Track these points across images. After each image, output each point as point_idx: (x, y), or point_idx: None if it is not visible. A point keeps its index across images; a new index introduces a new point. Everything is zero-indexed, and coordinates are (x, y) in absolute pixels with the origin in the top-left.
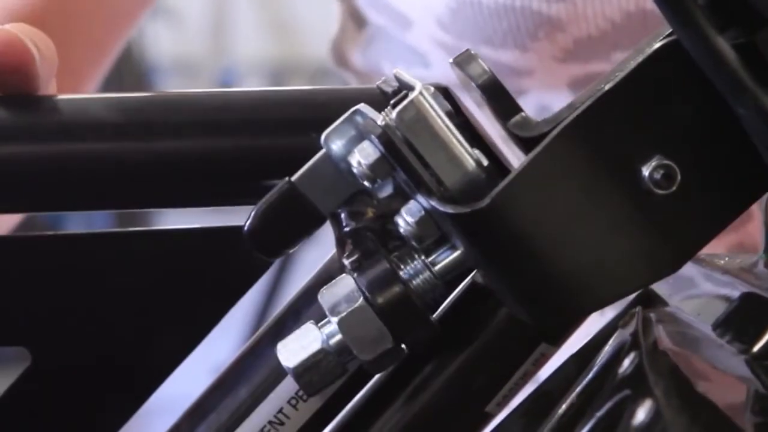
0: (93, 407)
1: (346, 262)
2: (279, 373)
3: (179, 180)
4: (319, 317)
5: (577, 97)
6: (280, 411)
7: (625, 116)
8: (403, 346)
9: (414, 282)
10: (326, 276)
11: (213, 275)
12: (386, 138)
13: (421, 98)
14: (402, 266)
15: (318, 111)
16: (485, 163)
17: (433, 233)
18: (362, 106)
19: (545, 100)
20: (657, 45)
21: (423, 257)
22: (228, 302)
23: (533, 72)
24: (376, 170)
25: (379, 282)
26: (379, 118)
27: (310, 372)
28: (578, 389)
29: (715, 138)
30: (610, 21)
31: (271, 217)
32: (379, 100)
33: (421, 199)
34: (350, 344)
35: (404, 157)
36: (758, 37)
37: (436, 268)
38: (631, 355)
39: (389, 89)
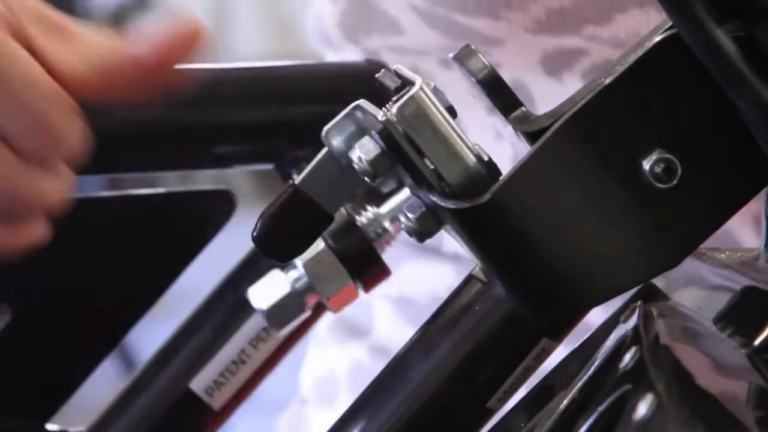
0: (69, 355)
1: None
2: (241, 315)
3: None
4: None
5: (577, 91)
6: (243, 351)
7: (626, 110)
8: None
9: (368, 227)
10: None
11: (174, 233)
12: (387, 133)
13: (421, 93)
14: (358, 213)
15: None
16: (486, 158)
17: (433, 228)
18: (363, 102)
19: (519, 76)
20: (657, 38)
21: (376, 206)
22: (189, 256)
23: (504, 42)
24: (376, 166)
25: (337, 228)
26: (380, 114)
27: (279, 312)
28: (580, 384)
29: (716, 131)
30: None
31: (278, 222)
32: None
33: (421, 194)
34: (314, 284)
35: (405, 153)
36: (758, 30)
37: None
38: (633, 350)
39: (390, 84)
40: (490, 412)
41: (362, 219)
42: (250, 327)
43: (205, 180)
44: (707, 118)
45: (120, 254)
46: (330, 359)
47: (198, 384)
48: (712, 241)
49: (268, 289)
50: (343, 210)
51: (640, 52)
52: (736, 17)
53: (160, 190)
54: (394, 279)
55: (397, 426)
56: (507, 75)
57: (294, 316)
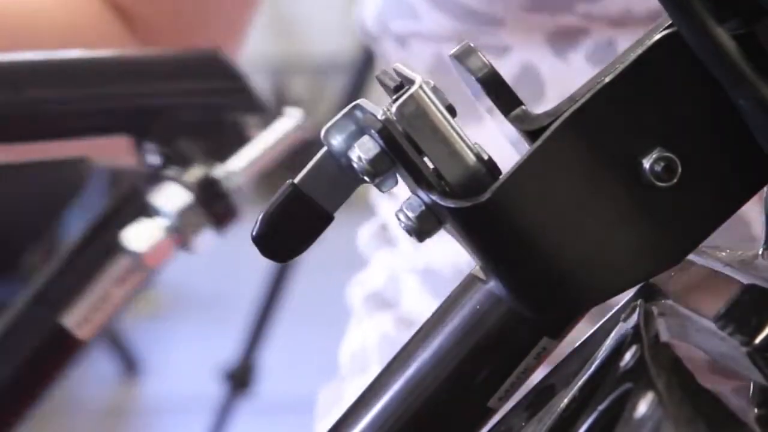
0: None
1: None
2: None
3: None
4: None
5: (577, 90)
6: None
7: (626, 108)
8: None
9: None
10: None
11: (28, 201)
12: (386, 132)
13: (420, 92)
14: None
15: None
16: (485, 157)
17: (433, 228)
18: (362, 101)
19: (527, 57)
20: (657, 36)
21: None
22: (44, 224)
23: (504, 22)
24: (376, 165)
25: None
26: (379, 113)
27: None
28: (580, 383)
29: (716, 130)
30: None
31: (277, 222)
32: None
33: (421, 193)
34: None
35: (404, 152)
36: (758, 28)
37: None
38: (633, 349)
39: (390, 83)
40: (491, 412)
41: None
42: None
43: None
44: (707, 116)
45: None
46: (362, 332)
47: (69, 320)
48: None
49: (142, 233)
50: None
51: (639, 50)
52: (736, 15)
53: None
54: (420, 252)
55: (398, 425)
56: (515, 58)
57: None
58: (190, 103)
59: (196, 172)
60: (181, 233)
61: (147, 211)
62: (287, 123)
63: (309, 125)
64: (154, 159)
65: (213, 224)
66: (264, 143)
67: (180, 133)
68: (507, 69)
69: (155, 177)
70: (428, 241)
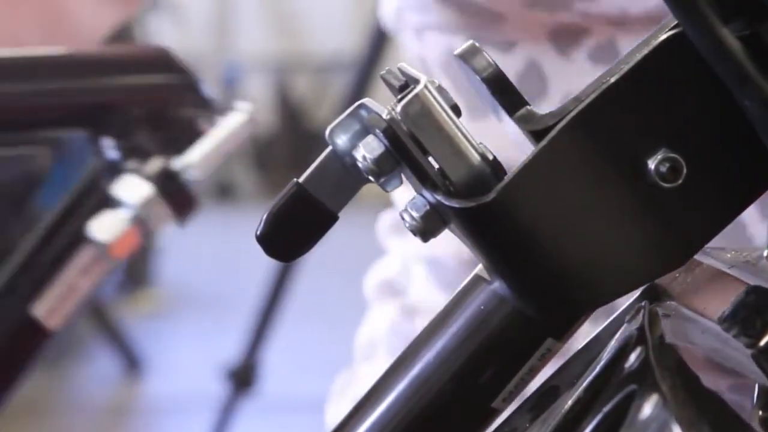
0: None
1: None
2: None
3: None
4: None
5: (582, 90)
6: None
7: (631, 109)
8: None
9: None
10: None
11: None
12: (391, 132)
13: (426, 92)
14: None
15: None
16: (490, 157)
17: (438, 227)
18: (367, 101)
19: (532, 54)
20: (662, 37)
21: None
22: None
23: (506, 17)
24: (380, 164)
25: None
26: (384, 112)
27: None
28: (585, 384)
29: (721, 130)
30: None
31: (282, 221)
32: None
33: (426, 193)
34: (143, 216)
35: (409, 152)
36: (763, 29)
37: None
38: (638, 350)
39: (395, 82)
40: (495, 413)
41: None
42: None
43: None
44: (712, 117)
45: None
46: (373, 320)
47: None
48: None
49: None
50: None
51: (645, 51)
52: (741, 16)
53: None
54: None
55: (402, 425)
56: (521, 55)
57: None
58: (142, 99)
59: (155, 165)
60: (144, 224)
61: (109, 202)
62: (238, 117)
63: (258, 120)
64: (112, 153)
65: (174, 215)
66: (216, 137)
67: (136, 127)
68: (512, 65)
69: (114, 170)
70: None
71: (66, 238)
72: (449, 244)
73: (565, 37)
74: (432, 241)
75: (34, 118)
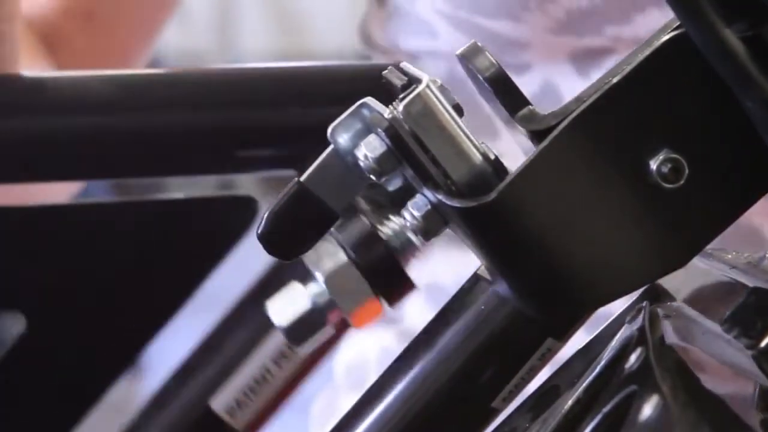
0: (86, 368)
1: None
2: (263, 332)
3: (175, 150)
4: (302, 276)
5: (584, 90)
6: (265, 368)
7: (633, 109)
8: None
9: (393, 239)
10: None
11: (193, 241)
12: (393, 131)
13: (428, 91)
14: (381, 224)
15: (311, 86)
16: (492, 156)
17: (439, 227)
18: (369, 100)
19: (549, 75)
20: (664, 38)
21: (401, 216)
22: (207, 267)
23: (530, 44)
24: (382, 164)
25: (359, 239)
26: (386, 111)
27: (298, 328)
28: (585, 384)
29: (723, 131)
30: None
31: (283, 219)
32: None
33: (427, 192)
34: (335, 298)
35: (411, 151)
36: (765, 30)
37: (415, 223)
38: (638, 351)
39: (397, 82)
40: (495, 412)
41: (386, 230)
42: (273, 343)
43: (208, 184)
44: (714, 117)
45: (137, 262)
46: (361, 345)
47: (219, 403)
48: (738, 237)
49: (287, 304)
50: (365, 219)
51: (647, 52)
52: (744, 17)
53: (179, 195)
54: (424, 266)
55: (401, 425)
56: (537, 76)
57: (315, 333)
58: None
59: (358, 227)
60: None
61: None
62: None
63: None
64: None
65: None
66: None
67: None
68: (527, 87)
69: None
70: (433, 256)
71: (251, 318)
72: (450, 270)
73: (587, 58)
74: (433, 267)
75: (244, 156)
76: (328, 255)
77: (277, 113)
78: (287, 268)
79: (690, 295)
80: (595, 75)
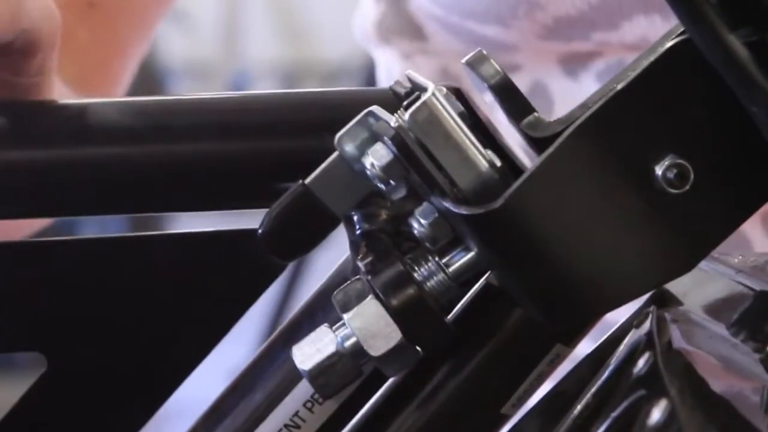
0: (109, 412)
1: (360, 264)
2: (294, 376)
3: (193, 183)
4: (334, 320)
5: (589, 97)
6: (296, 414)
7: (638, 115)
8: (417, 348)
9: (428, 284)
10: (340, 279)
11: (227, 278)
12: (399, 139)
13: (433, 99)
14: (416, 268)
15: (331, 112)
16: (498, 163)
17: (446, 235)
18: (375, 108)
19: (538, 75)
20: (669, 44)
21: (437, 259)
22: (243, 305)
23: (519, 48)
24: (389, 172)
25: (393, 284)
26: (392, 120)
27: (325, 375)
28: (593, 389)
29: (728, 136)
30: (587, 1)
31: (285, 220)
32: (392, 101)
33: (434, 200)
34: (362, 342)
35: (417, 159)
36: None
37: (450, 269)
38: (646, 355)
39: (402, 90)
40: (504, 418)
41: (422, 271)
42: (305, 387)
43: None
44: (719, 123)
45: (164, 299)
46: None
47: None
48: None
49: (313, 349)
50: (397, 261)
51: (652, 58)
52: (748, 22)
53: (211, 228)
54: None
55: (411, 431)
56: (527, 77)
57: (343, 380)
58: None
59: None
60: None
61: None
62: None
63: None
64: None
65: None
66: None
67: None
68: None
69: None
70: None
71: (281, 361)
72: None
73: (575, 61)
74: None
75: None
76: (358, 297)
77: (314, 141)
78: (319, 308)
79: (696, 299)
80: (584, 76)
